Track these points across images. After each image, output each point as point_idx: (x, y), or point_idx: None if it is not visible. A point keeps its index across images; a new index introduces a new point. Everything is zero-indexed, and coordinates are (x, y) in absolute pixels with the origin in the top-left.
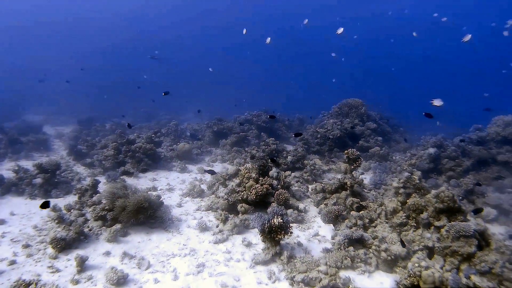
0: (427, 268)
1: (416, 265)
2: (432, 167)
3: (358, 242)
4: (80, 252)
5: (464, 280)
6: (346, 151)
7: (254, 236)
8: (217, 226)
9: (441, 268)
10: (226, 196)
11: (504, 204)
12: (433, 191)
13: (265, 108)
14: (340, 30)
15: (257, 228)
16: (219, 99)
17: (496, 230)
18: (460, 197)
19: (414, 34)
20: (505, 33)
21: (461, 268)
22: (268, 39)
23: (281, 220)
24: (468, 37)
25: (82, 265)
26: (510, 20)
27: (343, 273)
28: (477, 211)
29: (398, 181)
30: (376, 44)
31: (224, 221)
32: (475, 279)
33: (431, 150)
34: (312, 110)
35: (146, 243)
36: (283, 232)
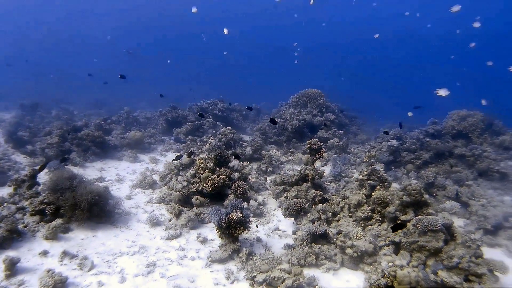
0: (402, 267)
1: (391, 264)
2: (392, 159)
3: (322, 238)
4: (11, 253)
5: (432, 276)
6: (308, 141)
7: (210, 231)
8: (170, 221)
9: (408, 264)
10: (179, 187)
11: (463, 197)
12: (395, 184)
13: (222, 97)
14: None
15: (214, 223)
16: (176, 87)
17: (455, 223)
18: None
19: (376, 36)
20: (472, 45)
21: (428, 263)
22: (226, 30)
23: (240, 215)
24: (457, 8)
25: (13, 268)
26: (476, 22)
27: (307, 272)
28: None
29: (362, 173)
30: (341, 37)
31: (178, 215)
32: (443, 274)
33: (394, 142)
34: (270, 101)
35: (90, 240)
36: (242, 227)
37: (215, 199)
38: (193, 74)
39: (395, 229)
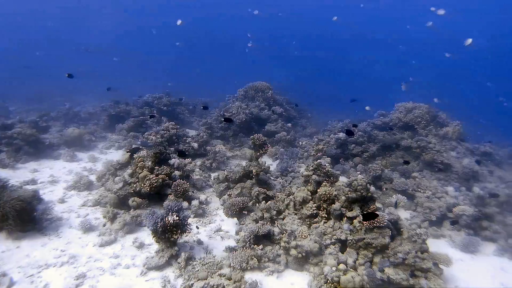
0: (345, 272)
1: (334, 269)
2: (339, 152)
3: (266, 238)
4: None
5: (378, 274)
6: (252, 136)
7: (148, 235)
8: (104, 225)
9: (354, 262)
10: (116, 189)
11: (409, 189)
12: (343, 178)
13: (168, 90)
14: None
15: (149, 228)
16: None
17: (401, 216)
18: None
19: (334, 18)
20: (429, 23)
21: (375, 260)
22: (179, 21)
23: (177, 218)
24: (469, 41)
25: None
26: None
27: (249, 276)
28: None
29: (307, 168)
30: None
31: (112, 218)
32: (389, 271)
33: (341, 135)
34: (221, 94)
35: (13, 253)
36: (179, 231)
37: (154, 200)
38: (146, 67)
39: (366, 218)
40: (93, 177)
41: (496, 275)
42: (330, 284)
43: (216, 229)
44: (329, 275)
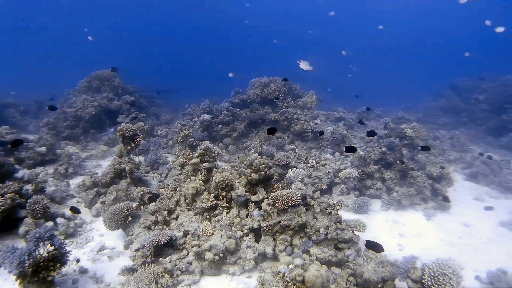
0: (304, 267)
1: (291, 266)
2: (206, 135)
3: (167, 246)
4: None
5: (306, 257)
6: (120, 128)
7: (5, 280)
8: None
9: (273, 249)
10: None
11: (292, 162)
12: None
13: None
14: None
15: (13, 273)
16: None
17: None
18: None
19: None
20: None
21: (295, 243)
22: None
23: (53, 248)
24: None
25: None
26: None
27: None
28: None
29: (183, 155)
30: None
31: None
32: (315, 251)
33: (206, 117)
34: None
35: None
36: (58, 264)
37: (3, 229)
38: None
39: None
40: None
41: (392, 228)
42: (293, 286)
43: (98, 248)
44: (288, 275)
